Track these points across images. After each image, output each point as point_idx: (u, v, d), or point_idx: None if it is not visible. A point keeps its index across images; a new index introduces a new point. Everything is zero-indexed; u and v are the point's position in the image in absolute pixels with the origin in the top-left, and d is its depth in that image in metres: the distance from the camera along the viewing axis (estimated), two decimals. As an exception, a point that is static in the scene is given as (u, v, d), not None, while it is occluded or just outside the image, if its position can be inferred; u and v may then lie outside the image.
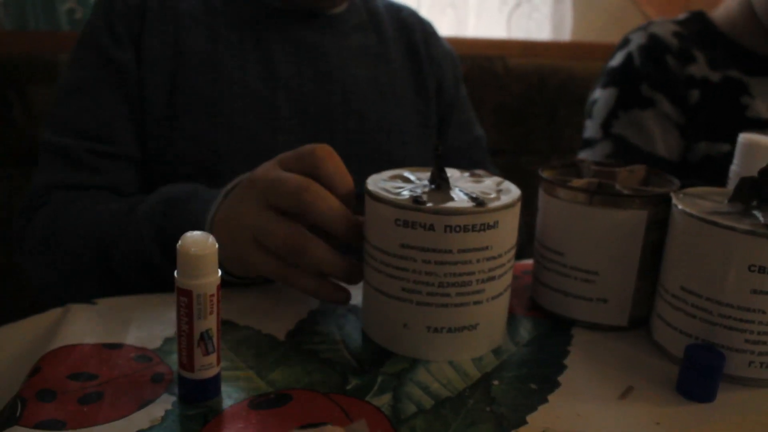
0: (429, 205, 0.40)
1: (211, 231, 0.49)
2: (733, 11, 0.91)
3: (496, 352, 0.45)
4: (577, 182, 0.49)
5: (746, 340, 0.41)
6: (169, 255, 0.51)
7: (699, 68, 0.87)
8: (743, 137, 0.54)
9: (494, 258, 0.41)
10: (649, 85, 0.88)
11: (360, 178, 0.46)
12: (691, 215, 0.42)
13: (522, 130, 1.27)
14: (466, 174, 0.48)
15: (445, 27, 1.46)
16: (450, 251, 0.40)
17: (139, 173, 0.68)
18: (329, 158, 0.45)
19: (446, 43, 0.87)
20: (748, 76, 0.87)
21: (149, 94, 0.67)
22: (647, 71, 0.89)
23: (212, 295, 0.35)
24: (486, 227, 0.40)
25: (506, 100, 1.25)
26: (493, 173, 0.50)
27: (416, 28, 0.83)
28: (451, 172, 0.47)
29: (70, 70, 0.69)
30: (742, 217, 0.42)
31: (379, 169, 0.47)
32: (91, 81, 0.67)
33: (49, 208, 0.62)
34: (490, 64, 1.24)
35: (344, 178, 0.46)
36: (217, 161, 0.49)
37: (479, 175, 0.47)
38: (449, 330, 0.43)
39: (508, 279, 0.44)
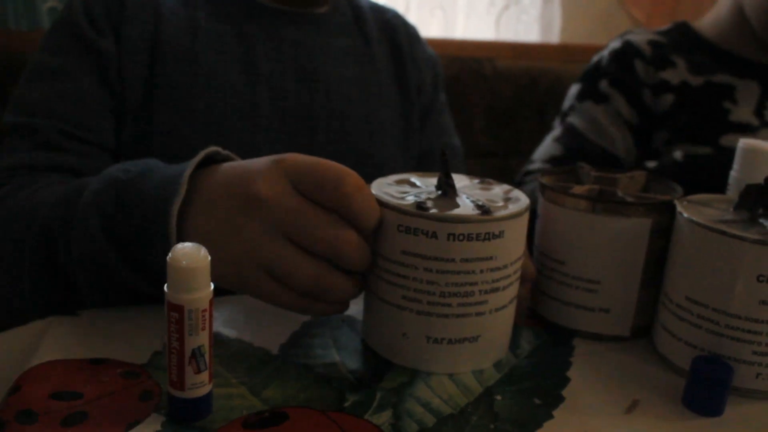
0: (432, 211, 0.39)
1: (181, 227, 0.42)
2: (723, 19, 0.93)
3: (497, 364, 0.43)
4: (578, 189, 0.48)
5: (754, 352, 0.40)
6: (122, 250, 0.44)
7: (677, 73, 0.89)
8: (743, 143, 0.53)
9: (499, 269, 0.40)
10: (609, 82, 0.91)
11: None
12: (697, 224, 0.41)
13: (511, 132, 1.26)
14: (476, 180, 0.46)
15: (434, 29, 1.45)
16: (453, 260, 0.39)
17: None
18: (359, 192, 0.39)
19: (429, 48, 0.86)
20: (737, 79, 0.87)
21: (127, 84, 0.64)
22: (610, 70, 0.92)
23: (204, 310, 0.33)
24: (491, 237, 0.39)
25: (495, 102, 1.24)
26: None
27: (400, 30, 0.82)
28: (460, 179, 0.45)
29: (41, 54, 0.65)
30: (749, 225, 0.42)
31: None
32: (68, 66, 0.63)
33: (3, 191, 0.55)
34: (478, 66, 1.22)
35: (373, 213, 0.40)
36: (194, 158, 0.45)
37: (489, 183, 0.46)
38: (450, 341, 0.41)
39: (513, 291, 0.43)
